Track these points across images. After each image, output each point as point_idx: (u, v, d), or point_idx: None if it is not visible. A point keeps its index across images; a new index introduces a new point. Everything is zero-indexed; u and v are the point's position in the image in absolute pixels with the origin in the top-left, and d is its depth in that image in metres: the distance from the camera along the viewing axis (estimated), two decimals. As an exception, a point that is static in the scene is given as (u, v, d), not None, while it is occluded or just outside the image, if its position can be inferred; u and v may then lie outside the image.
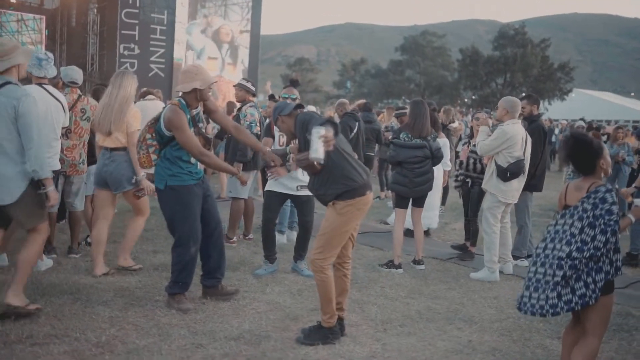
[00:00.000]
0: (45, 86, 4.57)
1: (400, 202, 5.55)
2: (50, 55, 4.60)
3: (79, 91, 5.19)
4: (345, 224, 3.45)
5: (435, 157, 5.60)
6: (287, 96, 5.08)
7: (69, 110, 5.01)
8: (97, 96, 5.62)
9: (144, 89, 7.96)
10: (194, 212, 3.94)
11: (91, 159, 5.35)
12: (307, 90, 52.85)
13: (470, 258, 6.06)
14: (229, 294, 4.21)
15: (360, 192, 3.46)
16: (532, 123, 6.13)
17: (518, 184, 5.40)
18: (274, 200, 5.03)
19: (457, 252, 6.23)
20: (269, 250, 5.04)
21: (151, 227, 6.67)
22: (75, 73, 5.13)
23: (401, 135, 5.43)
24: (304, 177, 4.78)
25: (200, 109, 4.04)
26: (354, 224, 3.54)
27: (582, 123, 16.45)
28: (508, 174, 5.26)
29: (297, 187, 4.91)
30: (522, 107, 6.13)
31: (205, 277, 4.19)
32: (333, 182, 3.44)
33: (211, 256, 4.14)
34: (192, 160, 3.94)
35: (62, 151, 4.97)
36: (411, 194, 5.47)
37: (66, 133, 5.01)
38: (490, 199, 5.41)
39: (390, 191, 8.43)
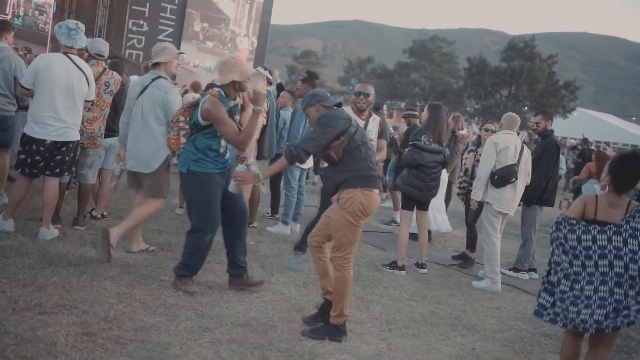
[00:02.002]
0: (70, 56, 4.53)
1: (407, 204, 5.55)
2: (82, 26, 4.57)
3: (104, 64, 5.16)
4: (351, 217, 3.42)
5: (446, 163, 5.66)
6: (360, 92, 4.90)
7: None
8: (115, 69, 5.56)
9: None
10: (213, 200, 3.91)
11: (108, 133, 5.33)
12: (311, 83, 52.61)
13: (470, 265, 6.09)
14: (254, 285, 4.12)
15: (364, 183, 3.44)
16: (545, 138, 6.19)
17: (513, 193, 5.42)
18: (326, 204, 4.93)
19: (457, 261, 6.22)
20: (305, 244, 4.92)
21: (155, 206, 6.65)
22: (102, 45, 5.10)
23: (422, 139, 5.42)
24: None
25: (239, 100, 4.00)
26: (361, 217, 3.46)
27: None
28: (496, 177, 5.33)
29: None
30: (537, 123, 6.21)
31: (231, 265, 4.14)
32: (341, 171, 3.47)
33: (234, 245, 4.10)
34: (221, 150, 3.93)
35: (81, 122, 4.95)
36: (423, 198, 5.48)
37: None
38: (487, 209, 5.46)
39: (389, 192, 8.44)
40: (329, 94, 3.81)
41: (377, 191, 3.53)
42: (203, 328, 3.37)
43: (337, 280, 3.48)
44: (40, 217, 4.81)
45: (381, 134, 5.07)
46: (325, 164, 3.69)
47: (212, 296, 3.93)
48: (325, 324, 3.54)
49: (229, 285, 4.14)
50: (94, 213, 5.57)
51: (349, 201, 3.41)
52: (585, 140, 18.14)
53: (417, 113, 7.70)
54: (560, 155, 10.47)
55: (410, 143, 5.47)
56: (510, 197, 5.40)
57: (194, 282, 4.01)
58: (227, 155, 4.05)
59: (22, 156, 4.54)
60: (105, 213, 5.71)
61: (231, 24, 21.80)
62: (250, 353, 3.14)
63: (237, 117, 4.00)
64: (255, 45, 22.26)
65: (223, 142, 3.92)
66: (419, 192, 5.44)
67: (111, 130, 5.41)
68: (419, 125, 6.91)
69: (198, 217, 3.92)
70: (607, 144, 32.33)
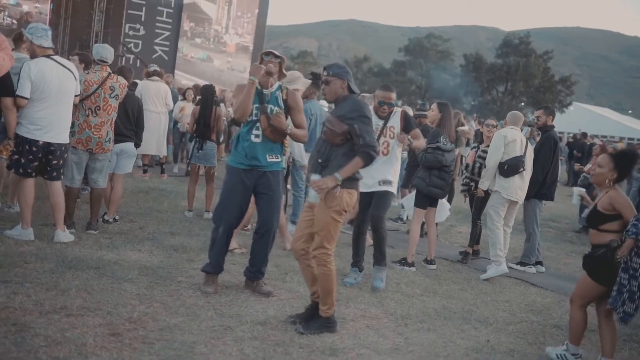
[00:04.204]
0: (54, 57, 4.60)
1: (422, 203, 5.64)
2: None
3: (108, 69, 5.21)
4: (337, 215, 3.55)
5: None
6: (383, 103, 4.78)
7: (99, 88, 5.05)
8: (122, 74, 5.59)
9: (154, 69, 8.00)
10: (231, 195, 4.00)
11: (120, 138, 5.38)
12: (308, 83, 52.57)
13: (475, 256, 6.27)
14: (262, 293, 4.11)
15: (349, 184, 3.56)
16: (545, 133, 6.31)
17: (520, 182, 5.67)
18: (361, 202, 4.79)
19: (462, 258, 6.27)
20: (358, 255, 4.85)
21: (164, 208, 6.73)
22: (106, 51, 5.15)
23: (441, 139, 5.52)
24: (382, 174, 4.81)
25: (274, 90, 4.02)
26: (344, 214, 3.59)
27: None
28: (505, 167, 5.61)
29: (379, 182, 4.79)
30: (538, 117, 6.35)
31: (247, 269, 4.21)
32: (329, 172, 3.52)
33: (254, 253, 4.16)
34: (252, 137, 3.95)
35: (89, 128, 5.01)
36: (443, 195, 5.66)
37: (95, 110, 5.04)
38: (494, 197, 5.71)
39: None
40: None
41: (358, 190, 3.68)
42: (225, 327, 3.45)
43: (323, 276, 3.53)
44: (54, 222, 4.88)
45: (409, 125, 4.90)
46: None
47: (229, 296, 4.01)
48: (317, 318, 3.59)
49: (244, 286, 4.22)
50: (106, 217, 5.63)
51: (337, 200, 3.52)
52: (584, 134, 18.28)
53: (427, 113, 7.74)
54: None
55: (433, 146, 5.47)
56: (518, 186, 5.65)
57: (215, 282, 4.08)
58: (266, 160, 3.99)
59: (16, 156, 4.59)
60: (117, 217, 5.77)
61: (213, 23, 22.26)
62: (272, 350, 3.22)
63: (273, 107, 3.95)
64: (237, 41, 22.51)
65: (255, 131, 3.96)
66: (442, 192, 5.59)
67: (122, 135, 5.47)
68: (429, 124, 6.96)
69: (215, 209, 4.10)
70: (604, 137, 32.46)
